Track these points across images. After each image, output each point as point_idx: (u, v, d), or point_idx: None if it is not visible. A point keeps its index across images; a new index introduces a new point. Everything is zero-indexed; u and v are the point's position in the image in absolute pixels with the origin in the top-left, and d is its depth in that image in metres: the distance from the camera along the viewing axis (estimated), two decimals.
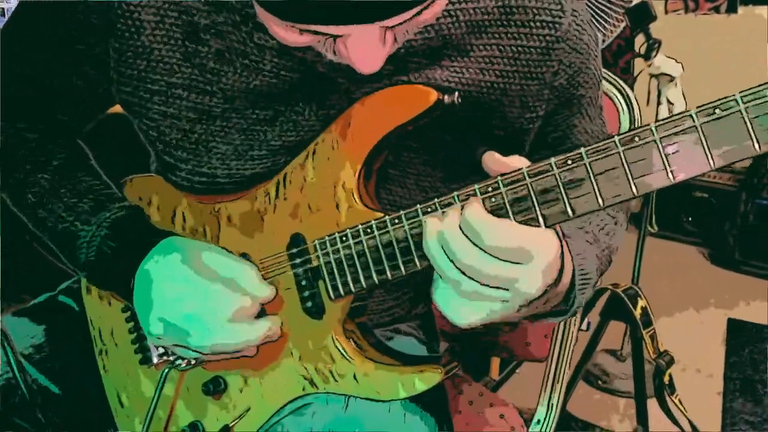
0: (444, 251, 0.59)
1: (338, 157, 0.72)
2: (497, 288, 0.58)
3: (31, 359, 0.83)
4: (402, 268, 0.67)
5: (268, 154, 0.76)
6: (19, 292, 1.02)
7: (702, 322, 2.65)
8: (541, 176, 0.59)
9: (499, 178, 0.61)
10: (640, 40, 1.93)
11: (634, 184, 0.56)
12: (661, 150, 0.55)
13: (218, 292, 0.69)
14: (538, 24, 0.72)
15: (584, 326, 0.70)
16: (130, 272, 0.72)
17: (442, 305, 0.61)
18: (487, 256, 0.58)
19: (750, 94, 0.52)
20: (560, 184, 0.58)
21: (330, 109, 0.74)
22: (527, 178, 0.59)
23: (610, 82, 1.07)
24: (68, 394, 0.84)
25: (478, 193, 0.61)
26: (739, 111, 0.52)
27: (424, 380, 0.70)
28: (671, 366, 1.56)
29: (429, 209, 0.64)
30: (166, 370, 0.77)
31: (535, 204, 0.59)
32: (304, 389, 0.74)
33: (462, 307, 0.60)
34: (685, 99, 1.96)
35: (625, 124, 1.04)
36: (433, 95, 0.68)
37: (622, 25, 2.23)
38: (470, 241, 0.58)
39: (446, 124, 0.73)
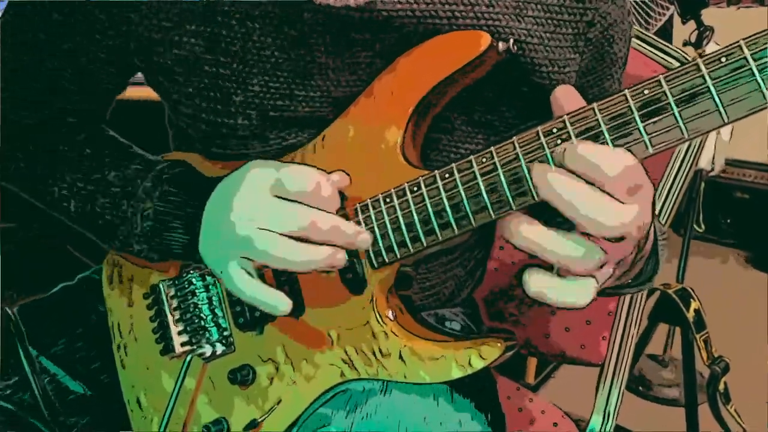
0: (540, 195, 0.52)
1: (382, 113, 0.65)
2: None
3: (46, 351, 0.77)
4: (454, 226, 0.59)
5: (299, 106, 0.69)
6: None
7: (743, 327, 2.54)
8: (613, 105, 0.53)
9: (565, 117, 0.54)
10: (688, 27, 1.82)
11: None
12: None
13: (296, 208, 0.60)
14: None
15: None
16: (204, 195, 0.65)
17: (557, 296, 0.53)
18: (598, 192, 0.50)
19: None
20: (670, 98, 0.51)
21: (358, 62, 0.67)
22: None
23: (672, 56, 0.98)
24: (86, 388, 0.78)
25: (542, 136, 0.54)
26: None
27: (482, 354, 0.61)
28: (727, 373, 1.46)
29: (483, 159, 0.57)
30: (189, 357, 0.71)
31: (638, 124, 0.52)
32: (342, 374, 0.66)
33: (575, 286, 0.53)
34: None
35: None
36: (486, 38, 0.62)
37: (669, 12, 2.13)
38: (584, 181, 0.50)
39: (488, 79, 0.65)
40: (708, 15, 3.37)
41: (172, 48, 0.67)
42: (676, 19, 2.02)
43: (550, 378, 2.12)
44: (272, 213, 0.59)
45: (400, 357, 0.64)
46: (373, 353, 0.65)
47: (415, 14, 0.64)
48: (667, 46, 0.97)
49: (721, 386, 1.46)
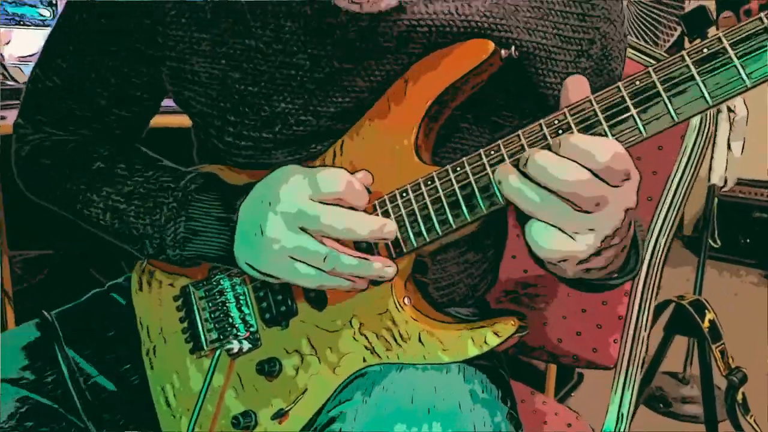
0: (537, 184, 0.56)
1: (396, 116, 0.70)
2: (585, 212, 0.56)
3: (81, 352, 0.81)
4: (466, 213, 0.64)
5: (321, 120, 0.74)
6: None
7: (760, 341, 2.53)
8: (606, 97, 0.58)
9: (565, 109, 0.59)
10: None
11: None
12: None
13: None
14: None
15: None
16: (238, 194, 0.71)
17: (537, 239, 0.57)
18: (587, 172, 0.55)
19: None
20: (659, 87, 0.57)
21: (380, 69, 0.72)
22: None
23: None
24: (118, 387, 0.82)
25: (544, 127, 0.59)
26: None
27: (497, 332, 0.66)
28: (744, 383, 1.46)
29: (492, 151, 0.62)
30: (218, 354, 0.74)
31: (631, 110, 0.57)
32: (364, 360, 0.70)
33: (559, 237, 0.57)
34: (746, 105, 1.88)
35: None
36: (491, 45, 0.67)
37: (677, 33, 2.18)
38: (577, 163, 0.55)
39: (497, 86, 0.71)
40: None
41: (202, 68, 0.73)
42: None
43: (570, 396, 2.13)
44: (312, 215, 0.64)
45: (419, 340, 0.68)
46: (393, 338, 0.69)
47: (435, 26, 0.69)
48: (654, 51, 1.01)
49: (740, 396, 1.46)
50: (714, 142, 1.89)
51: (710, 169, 1.91)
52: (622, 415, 1.02)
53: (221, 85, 0.74)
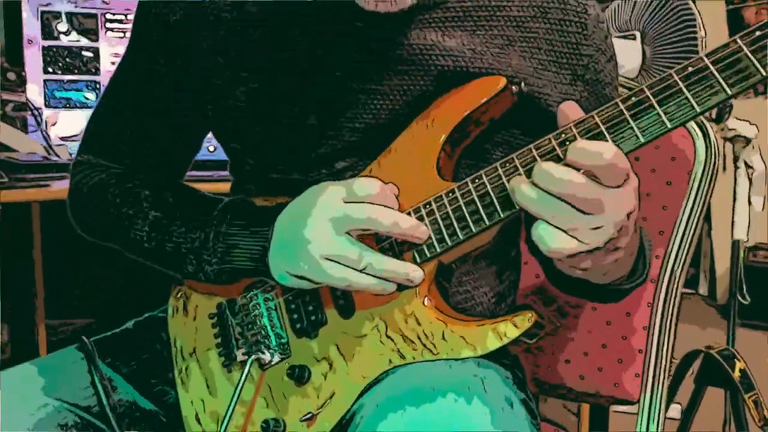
0: (541, 189, 0.62)
1: (421, 143, 0.78)
2: (588, 214, 0.62)
3: (120, 372, 0.86)
4: (485, 219, 0.70)
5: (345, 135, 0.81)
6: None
7: None
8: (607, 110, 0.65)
9: (571, 124, 0.66)
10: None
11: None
12: None
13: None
14: (567, 24, 0.80)
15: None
16: (270, 219, 0.77)
17: (543, 236, 0.63)
18: (586, 177, 0.61)
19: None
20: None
21: (407, 95, 0.79)
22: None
23: None
24: (154, 406, 0.87)
25: (553, 140, 0.66)
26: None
27: (515, 324, 0.70)
28: None
29: (507, 164, 0.69)
30: (249, 364, 0.78)
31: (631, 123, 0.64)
32: (390, 362, 0.74)
33: (559, 236, 0.62)
34: (764, 161, 1.91)
35: (702, 151, 1.02)
36: (503, 81, 0.76)
37: None
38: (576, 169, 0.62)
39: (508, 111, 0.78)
40: (737, 106, 3.45)
41: (240, 94, 0.82)
42: None
43: None
44: (359, 212, 0.70)
45: (443, 337, 0.72)
46: (419, 338, 0.73)
47: (452, 61, 0.78)
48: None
49: None
50: (734, 198, 1.91)
51: (733, 224, 1.93)
52: None
53: (255, 110, 0.82)
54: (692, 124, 1.05)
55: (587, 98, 0.82)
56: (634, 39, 2.23)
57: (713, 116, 1.87)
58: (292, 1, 0.81)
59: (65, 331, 2.20)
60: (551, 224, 0.63)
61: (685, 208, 1.04)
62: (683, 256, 1.04)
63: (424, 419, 0.63)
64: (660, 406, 1.01)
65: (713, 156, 1.03)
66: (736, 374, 1.46)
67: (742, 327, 3.60)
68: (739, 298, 1.99)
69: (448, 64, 0.78)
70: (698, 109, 0.63)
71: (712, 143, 1.03)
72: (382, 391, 0.70)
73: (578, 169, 0.62)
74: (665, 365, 1.03)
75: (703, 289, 4.12)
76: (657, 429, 1.02)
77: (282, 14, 0.81)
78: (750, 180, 1.91)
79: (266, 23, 0.81)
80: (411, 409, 0.64)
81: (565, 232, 0.62)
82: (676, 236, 1.04)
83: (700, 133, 1.03)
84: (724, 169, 1.91)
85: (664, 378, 1.02)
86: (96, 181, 0.91)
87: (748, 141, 1.87)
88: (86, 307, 2.18)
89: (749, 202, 1.92)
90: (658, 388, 1.02)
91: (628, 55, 2.20)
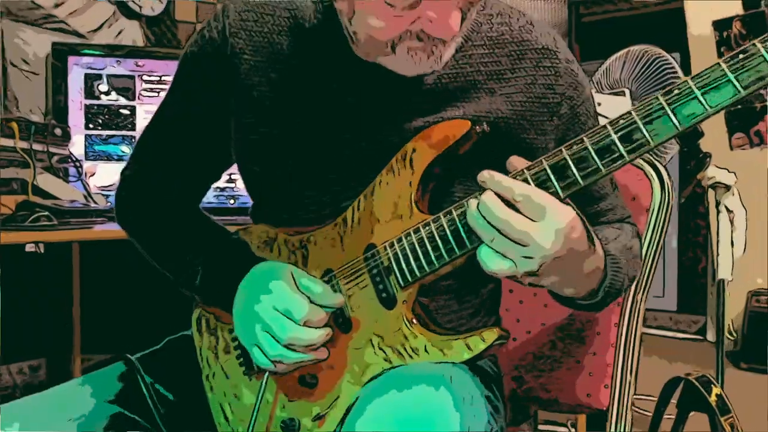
0: (483, 217, 0.76)
1: (399, 179, 0.91)
2: (523, 246, 0.75)
3: (160, 380, 1.01)
4: (455, 247, 0.83)
5: (337, 181, 0.95)
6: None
7: None
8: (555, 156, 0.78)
9: (524, 168, 0.79)
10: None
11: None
12: None
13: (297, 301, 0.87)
14: (541, 69, 0.94)
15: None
16: (234, 286, 0.93)
17: (483, 258, 0.77)
18: (514, 212, 0.75)
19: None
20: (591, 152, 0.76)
21: (386, 141, 0.93)
22: (544, 162, 0.79)
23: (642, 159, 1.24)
24: (189, 407, 1.02)
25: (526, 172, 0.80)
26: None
27: (483, 338, 0.85)
28: None
29: (475, 197, 0.81)
30: (267, 375, 0.92)
31: (553, 180, 0.77)
32: (383, 369, 0.88)
33: (496, 258, 0.76)
34: (743, 206, 2.06)
35: (657, 191, 1.19)
36: (467, 125, 0.89)
37: (676, 147, 2.41)
38: (504, 201, 0.75)
39: (484, 149, 0.90)
40: (733, 156, 3.61)
41: (260, 137, 0.96)
42: None
43: None
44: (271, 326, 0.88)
45: (425, 350, 0.87)
46: (405, 350, 0.88)
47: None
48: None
49: None
50: (717, 240, 2.05)
51: (716, 265, 2.06)
52: None
53: (273, 154, 0.96)
54: (648, 168, 1.22)
55: (564, 130, 0.95)
56: (624, 95, 2.42)
57: (693, 166, 2.04)
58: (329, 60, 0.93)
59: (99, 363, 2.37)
60: (491, 248, 0.77)
61: (643, 239, 1.20)
62: (644, 283, 1.19)
63: (402, 401, 0.79)
64: (626, 412, 1.15)
65: (667, 194, 1.19)
66: (713, 398, 1.58)
67: (749, 371, 3.68)
68: (726, 335, 2.11)
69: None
70: (652, 144, 0.74)
71: (665, 183, 1.20)
72: (372, 384, 0.86)
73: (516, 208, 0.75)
74: (629, 378, 1.17)
75: (711, 334, 4.20)
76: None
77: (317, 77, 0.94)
78: (731, 223, 2.05)
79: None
80: (393, 391, 0.80)
81: (502, 255, 0.77)
82: None
83: (655, 175, 1.20)
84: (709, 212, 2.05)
85: (628, 388, 1.16)
86: (139, 215, 1.09)
87: (727, 188, 2.01)
88: (118, 342, 2.35)
89: (732, 244, 2.06)
90: (624, 395, 1.17)
91: (619, 109, 2.37)
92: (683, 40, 3.71)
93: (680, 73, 2.24)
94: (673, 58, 2.43)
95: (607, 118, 2.27)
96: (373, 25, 0.83)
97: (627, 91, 2.43)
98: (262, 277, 0.91)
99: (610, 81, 2.47)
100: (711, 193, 2.08)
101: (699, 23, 3.67)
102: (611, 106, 2.38)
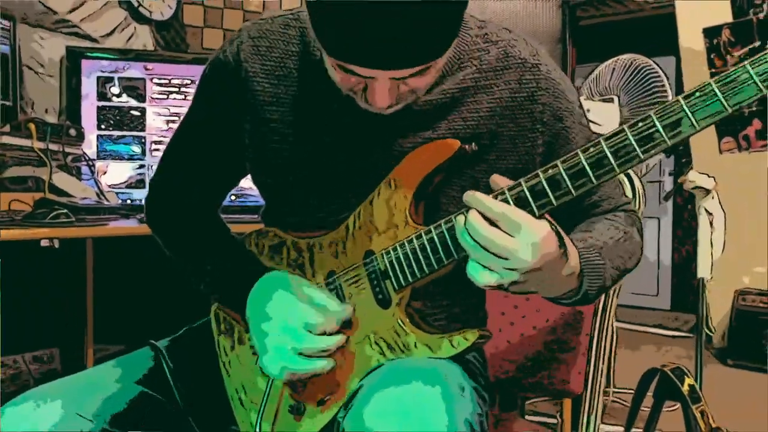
0: (469, 233, 0.85)
1: (396, 193, 1.00)
2: (504, 259, 0.84)
3: (181, 364, 1.11)
4: (444, 257, 0.93)
5: (338, 196, 1.05)
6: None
7: None
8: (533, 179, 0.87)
9: (504, 188, 0.88)
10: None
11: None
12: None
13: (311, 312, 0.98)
14: (522, 81, 1.00)
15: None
16: (245, 296, 1.04)
17: (472, 273, 0.86)
18: (495, 229, 0.84)
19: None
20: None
21: (378, 160, 1.01)
22: (523, 184, 0.88)
23: None
24: (208, 388, 1.12)
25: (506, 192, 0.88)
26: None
27: (465, 337, 0.95)
28: None
29: (462, 213, 0.89)
30: None
31: (530, 200, 0.87)
32: (378, 361, 0.99)
33: (483, 272, 0.85)
34: (723, 209, 2.17)
35: (629, 193, 1.30)
36: (457, 144, 0.97)
37: (658, 157, 2.52)
38: (486, 219, 0.84)
39: (473, 161, 1.00)
40: (722, 160, 3.71)
41: (270, 153, 1.04)
42: None
43: None
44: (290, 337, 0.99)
45: (415, 346, 0.98)
46: (398, 345, 0.99)
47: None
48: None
49: None
50: (696, 240, 2.17)
51: (696, 264, 2.18)
52: None
53: (283, 175, 1.06)
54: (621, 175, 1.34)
55: (547, 133, 1.01)
56: (612, 102, 2.53)
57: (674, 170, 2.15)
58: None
59: (111, 354, 2.47)
60: (478, 262, 0.84)
61: None
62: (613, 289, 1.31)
63: (399, 395, 0.88)
64: (597, 397, 1.27)
65: (638, 199, 1.31)
66: (685, 388, 1.69)
67: (735, 368, 3.79)
68: (705, 330, 2.23)
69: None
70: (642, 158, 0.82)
71: (636, 188, 1.31)
72: (373, 377, 0.96)
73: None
74: (602, 366, 1.29)
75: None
76: (596, 420, 1.27)
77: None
78: (711, 224, 2.17)
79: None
80: (391, 387, 0.90)
81: (488, 269, 0.84)
82: None
83: (626, 180, 1.32)
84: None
85: (599, 375, 1.28)
86: (163, 219, 1.21)
87: (707, 191, 2.12)
88: (130, 332, 2.46)
89: (711, 245, 2.17)
90: (596, 382, 1.28)
91: (608, 115, 2.48)
92: (678, 45, 3.81)
93: (665, 83, 2.35)
94: (668, 61, 2.55)
95: (597, 124, 2.44)
96: (331, 75, 0.93)
97: (615, 98, 2.54)
98: (270, 289, 1.02)
99: (600, 88, 2.57)
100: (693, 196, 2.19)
101: (689, 30, 3.78)
102: (600, 112, 2.50)
